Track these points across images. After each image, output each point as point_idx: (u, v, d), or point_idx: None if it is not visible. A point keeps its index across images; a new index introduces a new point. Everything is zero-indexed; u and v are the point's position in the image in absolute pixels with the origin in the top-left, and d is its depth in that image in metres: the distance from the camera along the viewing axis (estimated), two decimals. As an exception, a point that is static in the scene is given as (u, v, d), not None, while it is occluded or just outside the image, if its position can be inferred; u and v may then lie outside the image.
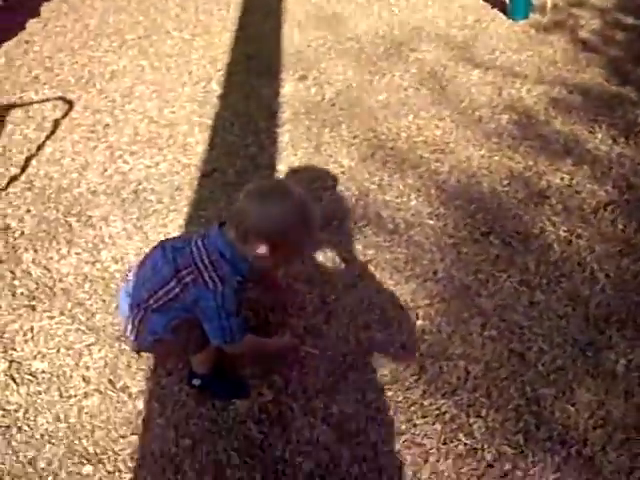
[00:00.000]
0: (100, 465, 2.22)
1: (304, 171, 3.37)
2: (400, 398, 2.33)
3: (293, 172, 3.37)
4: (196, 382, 2.43)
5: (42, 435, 2.33)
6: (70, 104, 4.08)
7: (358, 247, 2.93)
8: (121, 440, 2.29)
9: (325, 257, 2.86)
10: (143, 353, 2.48)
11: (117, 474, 2.19)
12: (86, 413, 2.39)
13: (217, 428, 2.30)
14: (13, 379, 2.49)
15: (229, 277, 2.14)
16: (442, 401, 2.31)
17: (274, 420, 2.30)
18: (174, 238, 2.55)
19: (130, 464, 2.21)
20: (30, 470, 2.23)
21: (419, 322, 2.57)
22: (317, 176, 3.32)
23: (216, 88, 4.15)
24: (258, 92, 4.08)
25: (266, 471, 2.16)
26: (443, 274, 2.74)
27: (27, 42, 4.89)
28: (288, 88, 4.09)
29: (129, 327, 2.32)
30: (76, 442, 2.30)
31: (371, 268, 2.81)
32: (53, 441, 2.31)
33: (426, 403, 2.31)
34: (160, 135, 3.76)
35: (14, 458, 2.27)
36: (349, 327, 2.59)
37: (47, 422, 2.36)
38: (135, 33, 5.01)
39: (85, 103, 4.11)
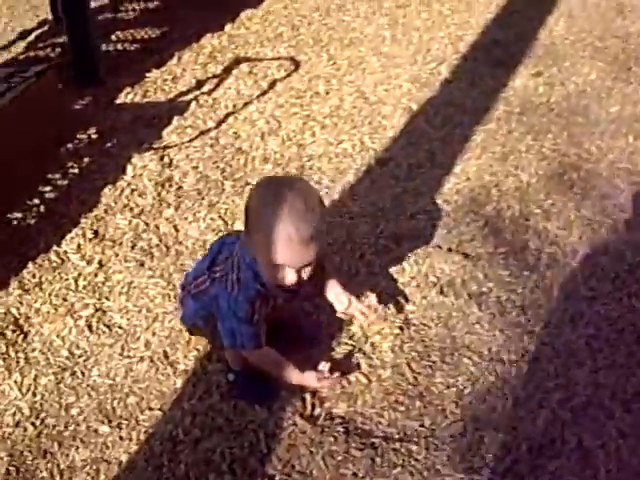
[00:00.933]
0: (117, 429, 2.24)
1: (471, 180, 3.06)
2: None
3: (457, 177, 3.06)
4: (230, 377, 2.34)
5: (87, 385, 2.40)
6: (297, 66, 4.06)
7: (477, 275, 2.59)
8: (147, 412, 2.29)
9: (424, 280, 2.54)
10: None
11: (127, 442, 2.20)
12: (131, 376, 2.42)
13: (228, 429, 2.19)
14: (90, 327, 2.58)
15: (248, 283, 2.02)
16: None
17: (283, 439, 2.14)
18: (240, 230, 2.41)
19: (142, 437, 2.21)
20: (62, 413, 2.32)
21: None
22: (481, 187, 2.94)
23: (443, 72, 3.88)
24: (485, 82, 3.73)
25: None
26: (560, 343, 2.27)
27: (291, -1, 4.94)
28: (517, 83, 3.69)
29: (178, 304, 2.36)
30: (108, 401, 2.34)
31: (476, 303, 2.47)
32: (92, 394, 2.37)
33: None
34: (360, 113, 3.61)
35: (56, 399, 2.36)
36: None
37: (97, 375, 2.43)
38: (394, 1, 4.80)
39: (309, 67, 4.07)
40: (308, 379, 2.17)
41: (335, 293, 2.23)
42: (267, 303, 2.09)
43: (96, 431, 2.25)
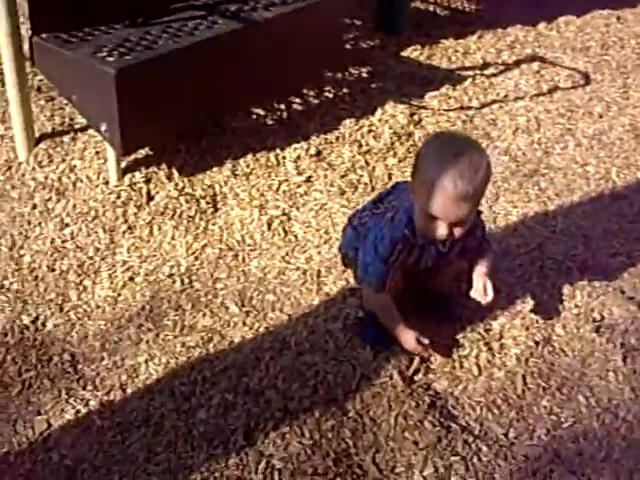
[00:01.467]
0: (244, 314, 2.44)
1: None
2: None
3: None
4: (359, 313, 2.40)
5: (242, 270, 2.65)
6: (587, 82, 3.94)
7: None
8: (277, 312, 2.47)
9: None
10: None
11: (247, 328, 2.38)
12: (281, 279, 2.62)
13: (332, 354, 2.26)
14: (270, 225, 2.86)
15: (399, 224, 2.11)
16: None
17: (374, 385, 2.19)
18: None
19: (261, 330, 2.38)
20: (209, 283, 2.58)
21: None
22: None
23: None
24: None
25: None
26: None
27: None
28: None
29: (341, 232, 2.53)
30: (251, 289, 2.55)
31: (623, 355, 2.33)
32: (242, 278, 2.62)
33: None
34: (621, 145, 3.46)
35: (210, 269, 2.64)
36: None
37: (255, 266, 2.68)
38: None
39: (598, 87, 3.95)
40: (405, 336, 2.19)
41: (478, 273, 2.19)
42: (409, 253, 2.13)
43: (227, 308, 2.43)
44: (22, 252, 2.61)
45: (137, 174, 2.89)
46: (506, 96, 3.79)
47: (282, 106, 3.44)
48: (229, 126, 3.20)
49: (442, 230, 1.98)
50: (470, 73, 3.97)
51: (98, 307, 2.44)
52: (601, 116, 3.69)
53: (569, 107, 3.74)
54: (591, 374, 2.23)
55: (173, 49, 2.77)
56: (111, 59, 2.64)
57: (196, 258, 2.64)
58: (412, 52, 4.13)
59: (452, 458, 1.96)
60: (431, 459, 1.94)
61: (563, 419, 2.09)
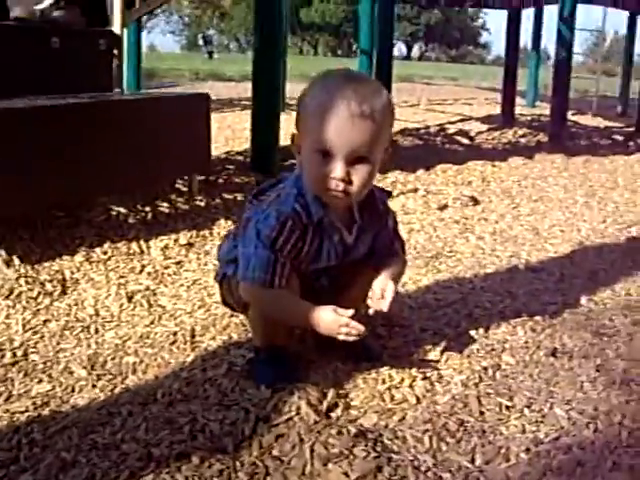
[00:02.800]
0: (95, 377, 1.80)
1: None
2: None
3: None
4: (248, 355, 1.84)
5: (95, 341, 2.04)
6: (475, 203, 3.73)
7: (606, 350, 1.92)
8: (139, 374, 1.84)
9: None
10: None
11: (97, 390, 1.74)
12: (144, 342, 2.02)
13: (216, 400, 1.66)
14: (131, 298, 2.30)
15: (288, 199, 1.65)
16: None
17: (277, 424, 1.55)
18: None
19: (116, 391, 1.75)
20: (50, 354, 1.95)
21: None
22: None
23: (634, 232, 3.30)
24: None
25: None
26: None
27: None
28: None
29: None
30: (104, 354, 1.95)
31: (595, 369, 1.82)
32: (93, 345, 2.01)
33: None
34: (524, 237, 3.12)
35: (52, 342, 2.01)
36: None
37: (111, 336, 2.08)
38: (598, 181, 4.43)
39: (488, 205, 3.75)
40: (325, 319, 1.61)
41: (380, 278, 1.72)
42: (303, 239, 1.66)
43: (72, 373, 1.82)
44: None
45: (-36, 260, 2.30)
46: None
47: (147, 208, 2.98)
48: (83, 218, 2.70)
49: (338, 171, 1.54)
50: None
51: None
52: (497, 222, 3.42)
53: (463, 216, 3.48)
54: (564, 389, 1.69)
55: (10, 107, 2.35)
56: None
57: (35, 332, 2.04)
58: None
59: (402, 484, 1.32)
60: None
61: (543, 435, 1.52)
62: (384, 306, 1.66)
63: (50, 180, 2.46)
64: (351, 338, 1.60)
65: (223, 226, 2.90)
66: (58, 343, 1.97)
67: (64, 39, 2.83)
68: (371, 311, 1.71)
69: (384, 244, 1.78)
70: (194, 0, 49.35)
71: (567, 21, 5.98)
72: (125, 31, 4.63)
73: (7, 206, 2.37)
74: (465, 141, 6.40)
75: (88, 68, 2.94)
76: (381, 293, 1.69)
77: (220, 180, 3.76)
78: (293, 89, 11.37)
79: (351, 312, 1.59)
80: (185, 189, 3.31)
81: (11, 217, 2.55)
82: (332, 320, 1.58)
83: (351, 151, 1.52)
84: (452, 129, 7.21)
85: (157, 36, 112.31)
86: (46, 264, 2.41)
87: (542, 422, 1.58)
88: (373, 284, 1.70)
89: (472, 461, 1.45)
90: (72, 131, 2.51)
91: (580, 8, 6.21)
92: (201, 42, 37.49)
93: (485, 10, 53.50)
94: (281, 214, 1.61)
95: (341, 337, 1.60)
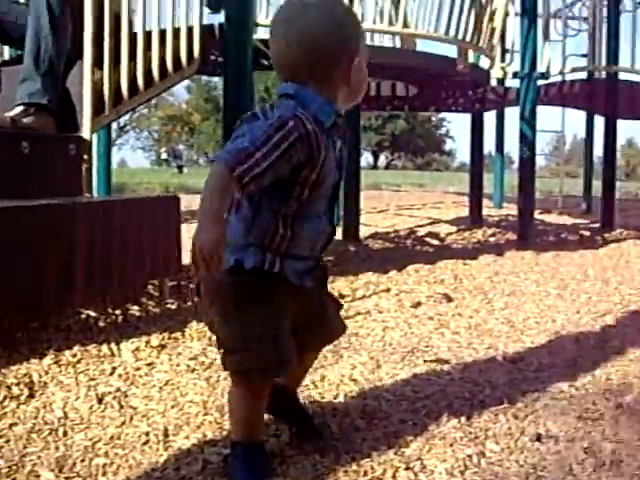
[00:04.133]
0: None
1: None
2: None
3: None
4: (224, 451, 1.77)
5: (63, 444, 1.94)
6: (449, 300, 3.72)
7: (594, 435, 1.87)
8: (110, 475, 1.76)
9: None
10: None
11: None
12: (115, 443, 1.93)
13: None
14: (101, 400, 2.24)
15: (286, 109, 1.56)
16: None
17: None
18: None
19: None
20: (15, 458, 1.84)
21: None
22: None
23: (608, 321, 3.31)
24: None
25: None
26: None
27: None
28: None
29: None
30: (73, 456, 1.86)
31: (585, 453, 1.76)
32: (62, 448, 1.91)
33: None
34: (500, 331, 3.11)
35: (18, 446, 1.91)
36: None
37: (81, 438, 2.00)
38: (569, 274, 4.46)
39: (461, 302, 3.72)
40: (207, 236, 1.39)
41: None
42: (306, 142, 1.52)
43: (38, 476, 1.74)
44: None
45: None
46: (368, 312, 3.47)
47: (118, 311, 2.93)
48: (51, 322, 2.64)
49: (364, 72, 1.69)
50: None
51: None
52: (472, 317, 3.41)
53: (437, 312, 3.47)
54: (552, 473, 1.66)
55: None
56: None
57: (0, 436, 1.93)
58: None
59: None
60: None
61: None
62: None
63: (16, 283, 2.41)
64: (199, 271, 1.41)
65: (195, 328, 2.85)
66: (24, 447, 1.88)
67: (34, 144, 2.84)
68: None
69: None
70: (163, 117, 50.52)
71: (528, 121, 6.16)
72: (95, 142, 4.70)
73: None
74: (435, 242, 6.45)
75: (58, 172, 2.95)
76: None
77: (191, 285, 3.72)
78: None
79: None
80: (156, 293, 3.27)
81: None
82: (208, 241, 1.39)
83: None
84: (422, 231, 7.28)
85: (127, 152, 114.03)
86: (13, 367, 2.35)
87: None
88: None
89: None
90: (40, 234, 2.48)
91: (540, 110, 6.41)
92: (164, 156, 38.01)
93: (448, 118, 55.35)
94: (282, 116, 1.51)
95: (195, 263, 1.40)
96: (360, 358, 2.57)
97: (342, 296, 3.76)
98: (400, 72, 5.85)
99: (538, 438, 1.84)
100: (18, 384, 2.25)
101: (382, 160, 62.14)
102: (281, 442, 1.82)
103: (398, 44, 5.92)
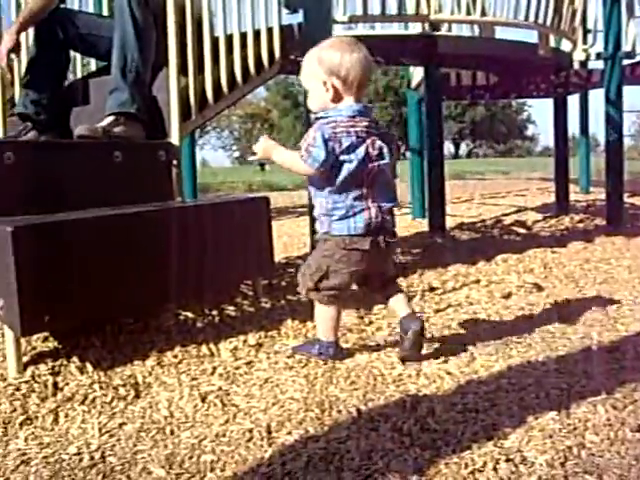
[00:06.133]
0: (174, 477, 1.80)
1: None
2: None
3: None
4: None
5: (168, 438, 2.03)
6: (539, 290, 3.69)
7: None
8: (218, 472, 1.83)
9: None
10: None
11: None
12: (220, 440, 2.02)
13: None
14: (204, 399, 2.31)
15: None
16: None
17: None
18: None
19: None
20: (127, 456, 1.95)
21: None
22: None
23: None
24: None
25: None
26: None
27: None
28: None
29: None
30: (182, 453, 1.95)
31: None
32: (168, 444, 2.01)
33: None
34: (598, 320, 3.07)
35: (129, 444, 2.03)
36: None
37: (187, 436, 2.08)
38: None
39: (553, 291, 3.69)
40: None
41: None
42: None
43: (150, 473, 1.83)
44: None
45: (42, 366, 2.39)
46: (459, 304, 3.47)
47: (214, 312, 3.02)
48: (152, 324, 2.75)
49: None
50: (418, 289, 3.69)
51: (-26, 496, 1.76)
52: (564, 306, 3.38)
53: (528, 303, 3.44)
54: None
55: (79, 218, 2.44)
56: (8, 220, 2.28)
57: (111, 436, 2.05)
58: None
59: None
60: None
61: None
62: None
63: (119, 288, 2.51)
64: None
65: (290, 326, 2.91)
66: (135, 445, 1.97)
67: (126, 152, 2.95)
68: None
69: None
70: (242, 115, 51.12)
71: (614, 103, 6.01)
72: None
73: (80, 315, 2.43)
74: (522, 231, 6.37)
75: (150, 179, 3.05)
76: None
77: (283, 283, 3.80)
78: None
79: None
80: (250, 292, 3.35)
81: (82, 325, 2.61)
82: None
83: None
84: (508, 220, 7.19)
85: (209, 152, 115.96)
86: (118, 369, 2.45)
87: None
88: None
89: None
90: (139, 239, 2.58)
91: (625, 89, 6.24)
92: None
93: (529, 102, 54.19)
94: (321, 130, 2.29)
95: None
96: (454, 351, 2.57)
97: (432, 288, 3.77)
98: (481, 61, 5.79)
99: (639, 429, 1.82)
100: (124, 385, 2.35)
101: (463, 149, 61.37)
102: (381, 436, 1.85)
103: (477, 33, 5.85)
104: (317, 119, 2.33)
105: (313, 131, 2.27)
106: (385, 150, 2.32)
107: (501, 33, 5.88)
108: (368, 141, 2.30)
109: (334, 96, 2.32)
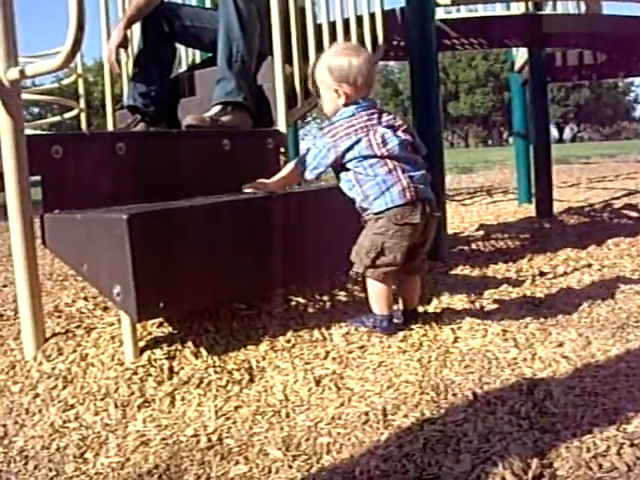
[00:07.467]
0: (291, 458, 1.84)
1: None
2: None
3: None
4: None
5: (287, 425, 2.09)
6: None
7: None
8: (334, 454, 1.86)
9: None
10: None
11: (293, 471, 1.79)
12: (336, 423, 2.04)
13: (416, 475, 1.66)
14: (319, 382, 2.34)
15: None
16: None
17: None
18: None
19: (313, 470, 1.78)
20: (244, 438, 2.00)
21: None
22: None
23: None
24: None
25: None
26: None
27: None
28: None
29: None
30: (298, 436, 1.98)
31: None
32: (286, 429, 2.05)
33: None
34: None
35: (245, 427, 2.08)
36: None
37: (303, 419, 2.12)
38: None
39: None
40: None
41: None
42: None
43: (267, 455, 1.87)
44: (15, 439, 2.09)
45: (158, 351, 2.45)
46: (571, 289, 3.38)
47: (325, 297, 3.05)
48: (264, 309, 2.80)
49: None
50: (528, 274, 3.63)
51: (99, 474, 1.84)
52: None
53: None
54: None
55: (191, 205, 2.51)
56: (123, 208, 2.37)
57: (227, 419, 2.10)
58: (461, 271, 3.82)
59: None
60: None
61: None
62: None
63: (231, 274, 2.56)
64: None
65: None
66: (251, 427, 2.02)
67: (234, 140, 3.00)
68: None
69: None
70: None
71: None
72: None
73: (193, 300, 2.49)
74: (634, 214, 6.16)
75: (258, 166, 3.10)
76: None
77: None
78: (451, 181, 11.48)
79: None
80: (360, 279, 3.35)
81: (197, 311, 2.67)
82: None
83: None
84: (618, 204, 6.97)
85: (308, 144, 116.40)
86: (232, 354, 2.50)
87: None
88: None
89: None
90: (249, 226, 2.62)
91: None
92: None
93: (637, 82, 52.13)
94: (332, 125, 2.57)
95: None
96: (569, 335, 2.52)
97: (542, 273, 3.70)
98: (588, 39, 5.61)
99: None
100: (239, 369, 2.40)
101: (567, 133, 59.67)
102: (499, 419, 1.83)
103: (582, 11, 5.67)
104: (320, 129, 2.58)
105: (314, 143, 2.58)
106: (388, 135, 2.48)
107: (608, 9, 5.68)
108: (370, 133, 2.46)
109: (346, 100, 2.51)
